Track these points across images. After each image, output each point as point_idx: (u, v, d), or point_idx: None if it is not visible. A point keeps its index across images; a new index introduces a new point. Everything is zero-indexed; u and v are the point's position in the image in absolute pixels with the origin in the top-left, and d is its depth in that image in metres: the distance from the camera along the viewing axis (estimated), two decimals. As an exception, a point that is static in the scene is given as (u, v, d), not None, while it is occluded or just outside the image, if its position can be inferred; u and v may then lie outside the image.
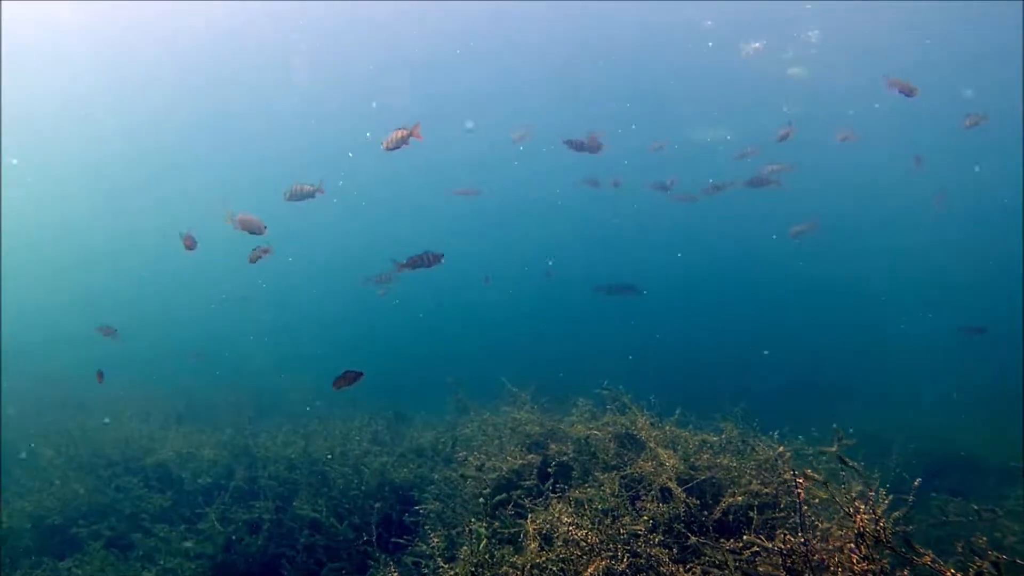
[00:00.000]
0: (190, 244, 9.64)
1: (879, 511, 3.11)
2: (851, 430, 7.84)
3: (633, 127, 29.59)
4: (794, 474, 3.43)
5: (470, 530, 4.70)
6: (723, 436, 5.95)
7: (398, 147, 8.29)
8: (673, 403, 7.02)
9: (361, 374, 7.02)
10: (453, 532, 6.06)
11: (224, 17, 27.99)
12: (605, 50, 27.06)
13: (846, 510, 3.16)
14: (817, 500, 5.01)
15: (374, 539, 7.15)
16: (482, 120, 32.61)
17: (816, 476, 3.47)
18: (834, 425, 3.85)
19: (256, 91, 34.36)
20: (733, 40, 23.61)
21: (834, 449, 3.76)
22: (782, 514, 4.67)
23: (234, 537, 8.43)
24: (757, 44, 22.61)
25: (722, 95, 28.13)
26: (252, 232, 8.75)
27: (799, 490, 3.36)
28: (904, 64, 24.89)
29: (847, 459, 3.42)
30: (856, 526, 3.04)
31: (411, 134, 8.16)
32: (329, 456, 9.22)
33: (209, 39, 29.95)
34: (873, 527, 3.00)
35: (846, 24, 22.94)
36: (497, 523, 4.90)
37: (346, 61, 31.20)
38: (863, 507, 3.10)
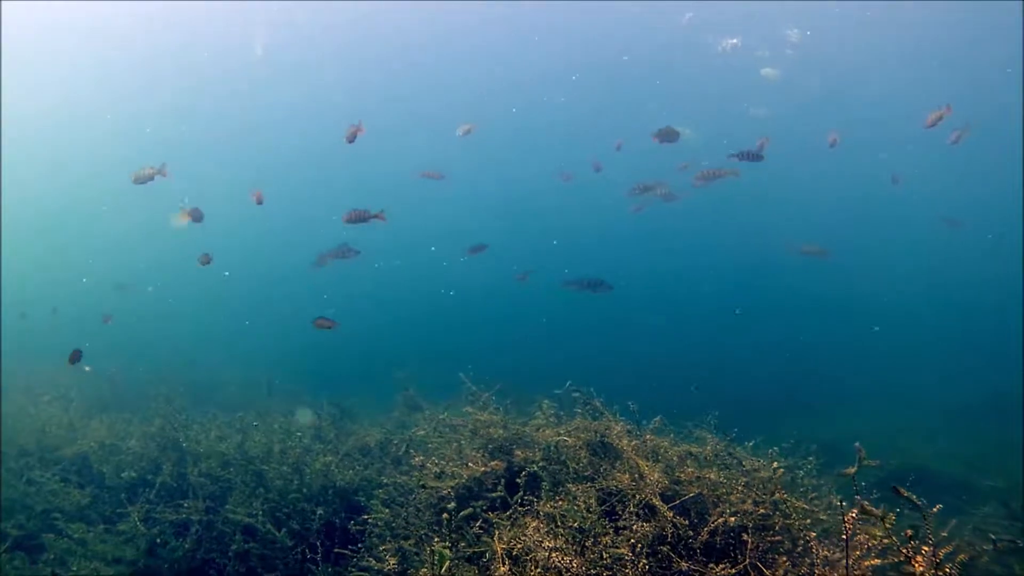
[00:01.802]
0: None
1: (940, 555, 2.68)
2: (814, 445, 7.57)
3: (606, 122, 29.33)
4: (842, 504, 2.96)
5: (432, 550, 4.12)
6: (707, 448, 5.47)
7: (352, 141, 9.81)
8: (644, 408, 6.57)
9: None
10: (405, 544, 5.45)
11: (222, 16, 27.78)
12: (582, 42, 26.68)
13: (903, 551, 2.70)
14: (809, 521, 4.59)
15: (317, 549, 6.49)
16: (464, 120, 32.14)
17: (873, 510, 3.01)
18: (856, 444, 3.42)
19: (254, 89, 34.00)
20: (712, 35, 23.31)
21: (852, 471, 3.32)
22: (777, 538, 4.22)
23: (159, 540, 7.65)
24: (734, 40, 22.41)
25: (695, 92, 27.88)
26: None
27: (847, 525, 2.90)
28: (892, 68, 25.00)
29: (901, 489, 2.96)
30: (915, 573, 2.59)
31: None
32: (267, 453, 8.51)
33: (208, 38, 29.59)
34: (933, 573, 2.56)
35: (828, 25, 22.74)
36: (463, 541, 4.33)
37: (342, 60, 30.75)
38: (925, 549, 2.66)
